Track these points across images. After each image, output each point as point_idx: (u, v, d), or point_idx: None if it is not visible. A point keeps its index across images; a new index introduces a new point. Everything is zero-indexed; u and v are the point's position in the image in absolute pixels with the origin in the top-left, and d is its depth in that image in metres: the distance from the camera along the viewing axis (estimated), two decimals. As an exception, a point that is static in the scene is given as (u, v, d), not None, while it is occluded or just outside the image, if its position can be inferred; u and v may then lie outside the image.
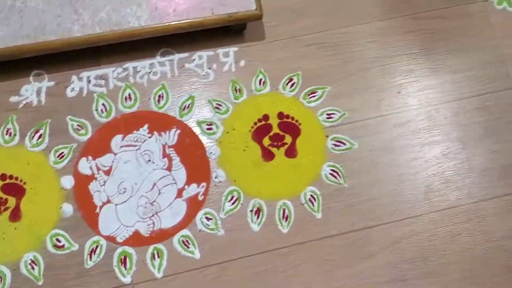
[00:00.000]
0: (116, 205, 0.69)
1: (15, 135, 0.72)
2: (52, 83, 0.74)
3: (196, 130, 0.73)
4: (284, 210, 0.71)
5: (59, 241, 0.67)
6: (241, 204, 0.70)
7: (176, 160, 0.71)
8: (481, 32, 0.80)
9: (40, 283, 0.65)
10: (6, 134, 0.72)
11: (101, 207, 0.69)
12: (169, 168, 0.71)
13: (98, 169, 0.71)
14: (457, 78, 0.78)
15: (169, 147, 0.72)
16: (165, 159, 0.71)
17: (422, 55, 0.79)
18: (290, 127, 0.75)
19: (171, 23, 0.70)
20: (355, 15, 0.80)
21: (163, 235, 0.68)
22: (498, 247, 0.70)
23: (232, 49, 0.78)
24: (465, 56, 0.79)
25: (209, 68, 0.77)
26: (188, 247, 0.68)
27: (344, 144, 0.74)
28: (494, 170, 0.74)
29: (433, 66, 0.78)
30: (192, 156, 0.72)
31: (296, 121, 0.75)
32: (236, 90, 0.76)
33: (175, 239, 0.68)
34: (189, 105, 0.74)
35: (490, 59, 0.78)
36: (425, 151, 0.74)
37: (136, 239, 0.68)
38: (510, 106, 0.76)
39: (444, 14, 0.80)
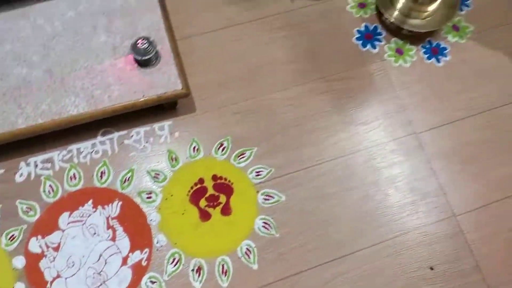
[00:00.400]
0: (66, 278, 0.74)
1: (-32, 223, 0.77)
2: (1, 171, 0.81)
3: (137, 200, 0.81)
4: (223, 266, 0.77)
5: (13, 320, 0.72)
6: (183, 264, 0.77)
7: (120, 230, 0.78)
8: (382, 87, 0.92)
9: None
10: (-41, 223, 0.77)
11: (51, 282, 0.74)
12: (113, 239, 0.77)
13: (48, 246, 0.76)
14: (366, 129, 0.88)
15: (113, 218, 0.79)
16: (109, 230, 0.78)
17: (334, 112, 0.89)
18: (224, 187, 0.83)
19: (106, 108, 0.79)
20: (273, 84, 0.91)
21: (111, 302, 0.74)
22: (417, 277, 0.78)
23: (166, 123, 0.87)
24: (371, 109, 0.90)
25: (147, 142, 0.85)
26: (135, 311, 0.73)
27: (273, 197, 0.83)
28: (407, 206, 0.83)
29: (345, 120, 0.89)
30: (134, 224, 0.78)
31: (229, 181, 0.84)
32: (172, 159, 0.84)
33: (123, 304, 0.74)
34: (129, 177, 0.82)
35: (392, 110, 0.90)
36: (345, 197, 0.83)
37: (86, 309, 0.73)
38: (415, 149, 0.87)
39: (349, 75, 0.92)
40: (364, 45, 0.95)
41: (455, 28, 0.97)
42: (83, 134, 0.84)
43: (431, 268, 0.79)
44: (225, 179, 0.84)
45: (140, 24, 0.85)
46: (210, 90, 0.90)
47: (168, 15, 0.91)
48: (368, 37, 0.96)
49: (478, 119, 0.90)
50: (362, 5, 0.98)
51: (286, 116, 0.89)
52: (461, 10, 0.99)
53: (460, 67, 0.94)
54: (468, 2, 1.00)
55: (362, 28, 0.97)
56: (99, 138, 0.85)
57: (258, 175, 0.84)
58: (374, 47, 0.95)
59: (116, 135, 0.85)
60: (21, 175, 0.81)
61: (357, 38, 0.96)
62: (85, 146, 0.84)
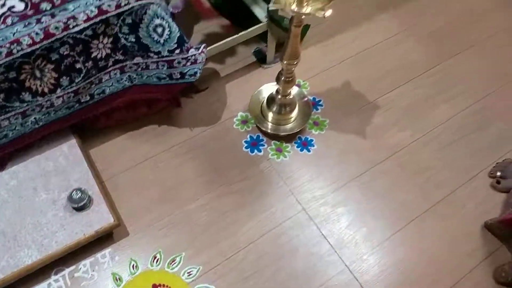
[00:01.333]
0: None
1: None
2: (-30, 327, 0.95)
3: (93, 321, 0.97)
4: None
5: None
6: None
7: None
8: (272, 180, 1.19)
9: None
10: None
11: None
12: None
13: None
14: (266, 215, 1.13)
15: None
16: None
17: (239, 208, 1.14)
18: (164, 292, 1.02)
19: (55, 252, 0.97)
20: (188, 197, 1.15)
21: None
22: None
23: (107, 251, 1.06)
24: (267, 199, 1.16)
25: (93, 271, 1.03)
26: None
27: (205, 290, 1.03)
28: (310, 268, 1.06)
29: (249, 212, 1.13)
30: None
31: (167, 286, 1.03)
32: (116, 279, 1.02)
33: None
34: (83, 304, 0.99)
35: (282, 195, 1.16)
36: (262, 274, 1.05)
37: None
38: (306, 222, 1.12)
39: (245, 176, 1.19)
40: (252, 151, 1.23)
41: (316, 123, 1.29)
42: (39, 276, 1.01)
43: (337, 314, 1.01)
44: (164, 285, 1.03)
45: (72, 177, 1.07)
46: (137, 214, 1.12)
47: (93, 164, 1.14)
48: (254, 144, 1.24)
49: (349, 187, 1.18)
50: (244, 122, 1.28)
51: (203, 220, 1.12)
52: (317, 109, 1.31)
53: (326, 152, 1.24)
54: (320, 102, 1.33)
55: (248, 139, 1.25)
56: (53, 277, 1.02)
57: (189, 274, 1.04)
58: (259, 151, 1.23)
59: (66, 271, 1.03)
60: (-11, 326, 0.95)
61: (246, 147, 1.24)
62: (42, 287, 1.00)
